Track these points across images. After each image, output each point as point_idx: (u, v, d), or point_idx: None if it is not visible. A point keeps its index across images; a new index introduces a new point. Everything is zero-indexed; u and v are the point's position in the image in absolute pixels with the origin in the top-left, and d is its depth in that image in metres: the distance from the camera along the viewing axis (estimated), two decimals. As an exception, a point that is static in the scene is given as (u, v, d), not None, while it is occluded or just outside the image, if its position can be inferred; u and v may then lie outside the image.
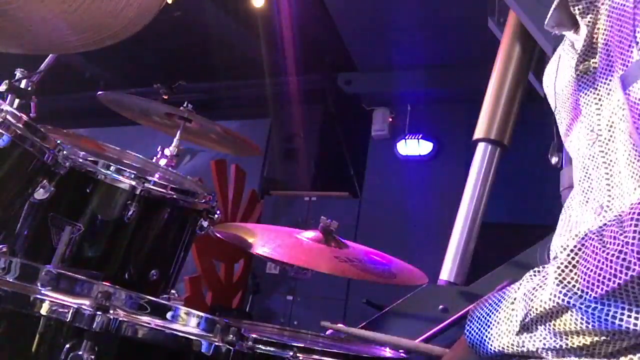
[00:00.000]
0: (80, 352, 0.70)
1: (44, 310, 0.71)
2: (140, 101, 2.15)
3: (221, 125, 2.18)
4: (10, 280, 0.74)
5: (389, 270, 1.39)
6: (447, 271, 1.96)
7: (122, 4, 1.13)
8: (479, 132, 2.13)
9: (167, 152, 1.99)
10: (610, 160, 0.82)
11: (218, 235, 1.47)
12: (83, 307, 0.72)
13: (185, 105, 2.06)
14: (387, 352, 1.18)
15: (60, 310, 0.71)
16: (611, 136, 0.82)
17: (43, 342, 0.72)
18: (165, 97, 2.73)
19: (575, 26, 0.92)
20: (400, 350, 1.17)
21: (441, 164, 4.88)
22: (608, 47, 0.83)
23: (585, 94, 0.89)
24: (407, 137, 5.01)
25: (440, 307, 1.76)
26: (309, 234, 1.41)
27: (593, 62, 0.87)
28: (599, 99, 0.85)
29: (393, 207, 4.78)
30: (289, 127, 5.63)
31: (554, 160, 1.06)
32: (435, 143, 4.98)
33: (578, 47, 0.91)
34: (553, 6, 0.92)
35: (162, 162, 1.95)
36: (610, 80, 0.83)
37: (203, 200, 1.42)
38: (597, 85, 0.86)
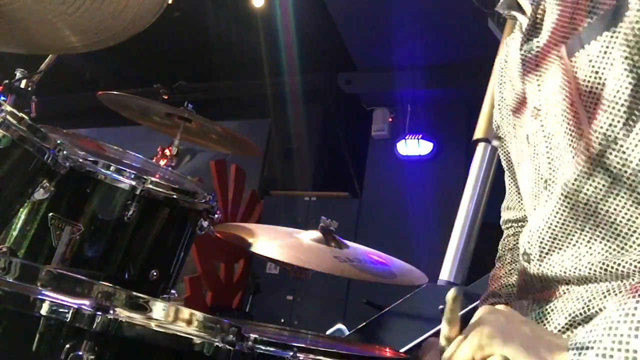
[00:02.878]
0: (80, 352, 0.70)
1: (44, 310, 0.71)
2: (140, 101, 2.15)
3: (221, 125, 2.18)
4: (10, 280, 0.74)
5: (389, 270, 1.39)
6: (447, 271, 1.96)
7: (121, 5, 1.13)
8: (479, 133, 2.13)
9: (167, 152, 1.99)
10: (549, 133, 0.83)
11: (218, 235, 1.47)
12: (83, 307, 0.72)
13: (185, 105, 2.06)
14: (387, 352, 1.18)
15: (60, 310, 0.71)
16: (547, 109, 0.83)
17: (43, 342, 0.72)
18: (165, 97, 2.73)
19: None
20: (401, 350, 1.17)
21: (441, 164, 4.88)
22: (550, 23, 0.84)
23: (529, 73, 0.90)
24: (407, 137, 5.01)
25: (440, 307, 1.76)
26: (309, 234, 1.41)
27: (536, 41, 0.88)
28: (540, 76, 0.87)
29: (393, 207, 4.78)
30: (289, 127, 5.63)
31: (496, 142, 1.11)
32: (435, 143, 4.98)
33: (524, 28, 0.93)
34: None
35: (162, 162, 1.95)
36: (550, 54, 0.84)
37: (203, 200, 1.42)
38: (539, 62, 0.87)
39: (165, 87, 2.75)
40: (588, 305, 0.74)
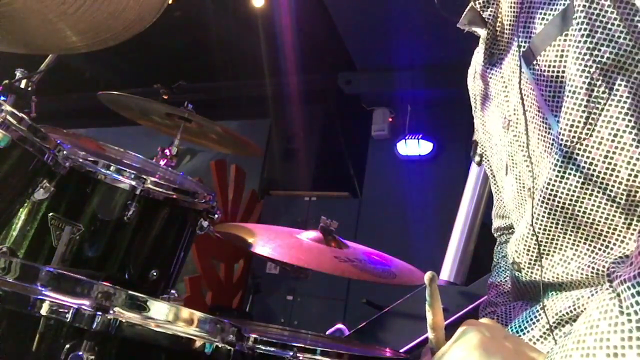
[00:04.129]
0: (80, 352, 0.70)
1: (44, 311, 0.71)
2: (140, 101, 2.16)
3: (221, 125, 2.18)
4: (10, 280, 0.74)
5: (389, 270, 1.39)
6: (447, 271, 1.96)
7: (122, 5, 1.13)
8: (479, 132, 2.13)
9: (167, 152, 1.99)
10: (523, 142, 0.84)
11: (218, 235, 1.47)
12: (83, 307, 0.72)
13: (185, 105, 2.06)
14: (387, 352, 1.18)
15: (60, 310, 0.71)
16: (517, 118, 0.84)
17: (43, 342, 0.72)
18: (165, 97, 2.73)
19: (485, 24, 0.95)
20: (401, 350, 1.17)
21: (441, 164, 4.88)
22: (509, 34, 0.87)
23: (495, 84, 0.92)
24: (407, 137, 5.00)
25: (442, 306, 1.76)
26: (309, 234, 1.41)
27: (498, 53, 0.90)
28: (506, 87, 0.88)
29: (393, 207, 4.78)
30: (289, 127, 5.63)
31: (477, 159, 1.11)
32: (435, 143, 4.97)
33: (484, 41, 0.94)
34: (468, 8, 0.96)
35: (162, 162, 1.95)
36: (512, 65, 0.85)
37: (203, 200, 1.42)
38: (503, 73, 0.89)
39: (165, 87, 2.75)
40: (576, 304, 0.75)
